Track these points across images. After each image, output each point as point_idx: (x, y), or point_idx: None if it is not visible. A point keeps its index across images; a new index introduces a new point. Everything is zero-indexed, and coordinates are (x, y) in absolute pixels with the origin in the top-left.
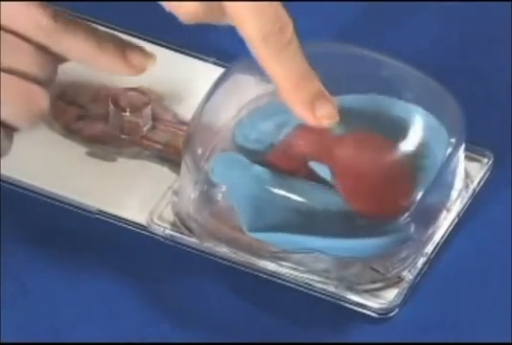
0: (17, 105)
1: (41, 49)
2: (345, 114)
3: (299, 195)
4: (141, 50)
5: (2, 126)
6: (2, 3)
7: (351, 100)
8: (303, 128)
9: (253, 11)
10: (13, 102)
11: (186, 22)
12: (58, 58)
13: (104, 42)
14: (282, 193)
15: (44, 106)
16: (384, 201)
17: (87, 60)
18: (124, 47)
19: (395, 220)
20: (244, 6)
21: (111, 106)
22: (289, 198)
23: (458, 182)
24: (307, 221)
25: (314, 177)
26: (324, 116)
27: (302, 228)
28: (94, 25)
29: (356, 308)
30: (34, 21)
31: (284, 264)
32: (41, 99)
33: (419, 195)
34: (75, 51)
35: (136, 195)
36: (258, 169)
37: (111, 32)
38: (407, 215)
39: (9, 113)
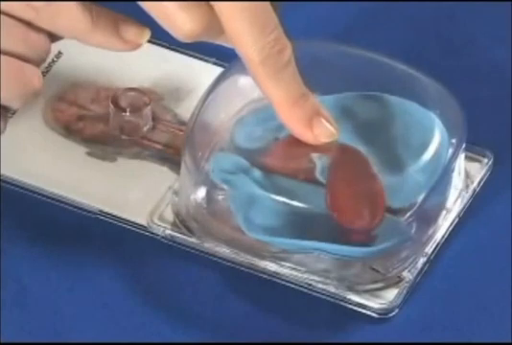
0: (10, 84)
1: (32, 27)
2: (343, 113)
3: (298, 198)
4: (135, 24)
5: None
6: None
7: (349, 98)
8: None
9: (253, 34)
10: (7, 81)
11: (184, 41)
12: (50, 36)
13: (98, 18)
14: (280, 196)
15: (37, 85)
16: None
17: (81, 37)
18: (118, 22)
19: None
20: (244, 28)
21: (111, 106)
22: (286, 202)
23: (458, 182)
24: (305, 225)
25: (313, 179)
26: (322, 134)
27: (300, 232)
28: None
29: (356, 308)
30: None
31: (284, 264)
32: (34, 77)
33: (421, 196)
34: (67, 28)
35: (136, 195)
36: (257, 172)
37: (104, 7)
38: (408, 215)
39: (2, 92)
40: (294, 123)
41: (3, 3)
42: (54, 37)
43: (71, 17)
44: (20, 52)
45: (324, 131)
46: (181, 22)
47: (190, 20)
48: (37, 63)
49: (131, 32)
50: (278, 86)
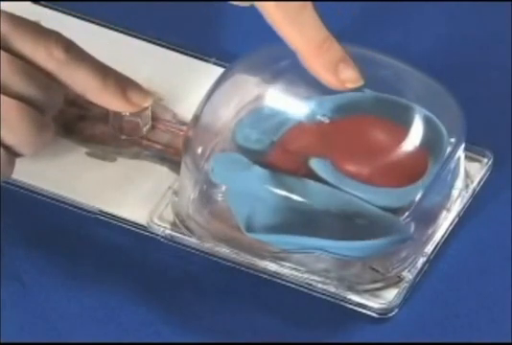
0: (27, 133)
1: (51, 78)
2: (343, 113)
3: (299, 195)
4: (140, 88)
5: (6, 152)
6: (23, 30)
7: (349, 98)
8: (301, 127)
9: None
10: (23, 130)
11: None
12: (63, 88)
13: (109, 78)
14: (282, 193)
15: (49, 136)
16: (397, 170)
17: (90, 94)
18: (125, 84)
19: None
20: None
21: None
22: (288, 199)
23: (458, 182)
24: (306, 222)
25: (314, 177)
26: (348, 79)
27: (301, 229)
28: (98, 60)
29: (356, 308)
30: (45, 50)
31: (284, 264)
32: (48, 129)
33: (419, 195)
34: (80, 84)
35: (136, 195)
36: (258, 169)
37: (113, 68)
38: (406, 214)
39: (17, 140)
40: (321, 68)
41: (29, 52)
42: (65, 90)
43: (86, 74)
44: (40, 102)
45: (350, 76)
46: None
47: None
48: (50, 113)
49: (137, 95)
50: (299, 30)
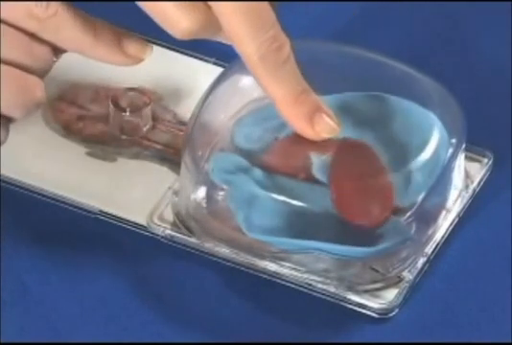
0: (13, 95)
1: (36, 38)
2: (342, 113)
3: (298, 198)
4: (137, 39)
5: None
6: None
7: (349, 98)
8: None
9: (251, 31)
10: (9, 91)
11: (181, 39)
12: (54, 49)
13: (101, 32)
14: (281, 197)
15: (40, 96)
16: (366, 208)
17: (83, 50)
18: (120, 37)
19: (376, 227)
20: (242, 25)
21: (111, 106)
22: (287, 202)
23: (458, 182)
24: (305, 225)
25: (313, 179)
26: (323, 130)
27: (300, 232)
28: (89, 14)
29: (356, 308)
30: (25, 10)
31: (284, 264)
32: (37, 88)
33: (421, 196)
34: (70, 41)
35: (136, 195)
36: (257, 172)
37: (107, 22)
38: (408, 215)
39: (4, 103)
40: (296, 119)
41: (7, 13)
42: (57, 50)
43: (74, 30)
44: (23, 62)
45: (326, 127)
46: (178, 20)
47: (186, 18)
48: (40, 75)
49: (133, 46)
50: (278, 83)
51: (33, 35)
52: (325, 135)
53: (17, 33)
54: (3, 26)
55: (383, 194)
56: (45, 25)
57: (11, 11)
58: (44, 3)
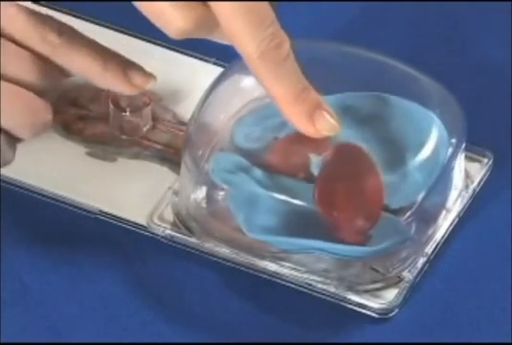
0: (21, 117)
1: (44, 60)
2: (343, 113)
3: (298, 197)
4: (142, 70)
5: (5, 137)
6: (10, 16)
7: (349, 98)
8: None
9: (250, 29)
10: (18, 113)
11: (176, 38)
12: (62, 72)
13: (109, 60)
14: (281, 196)
15: (47, 119)
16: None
17: (92, 77)
18: (127, 66)
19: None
20: (241, 24)
21: (111, 107)
22: (288, 202)
23: (458, 182)
24: (305, 224)
25: (312, 179)
26: (323, 128)
27: (300, 231)
28: (98, 43)
29: (356, 308)
30: (38, 34)
31: (284, 264)
32: (45, 111)
33: (421, 196)
34: (79, 67)
35: (136, 195)
36: (257, 172)
37: (114, 50)
38: (408, 215)
39: (12, 124)
40: (296, 117)
41: (22, 37)
42: (65, 74)
43: (84, 57)
44: (33, 84)
45: (326, 125)
46: (173, 20)
47: (182, 18)
48: (47, 96)
49: (139, 77)
50: (279, 81)
51: (44, 59)
52: (326, 133)
53: (30, 55)
54: (16, 48)
55: (369, 197)
56: (58, 51)
57: (26, 35)
58: (57, 28)
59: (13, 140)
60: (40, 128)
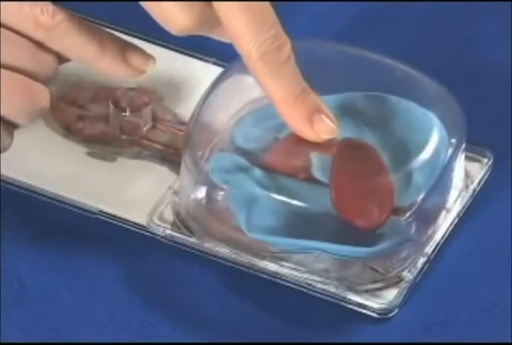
0: (18, 102)
1: (41, 46)
2: (343, 113)
3: (298, 198)
4: (141, 51)
5: (2, 123)
6: (1, 2)
7: (349, 98)
8: None
9: (251, 30)
10: (15, 99)
11: (177, 35)
12: (59, 57)
13: (106, 42)
14: (281, 197)
15: (44, 104)
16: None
17: (88, 60)
18: (124, 48)
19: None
20: (243, 24)
21: (111, 106)
22: (288, 202)
23: (458, 182)
24: (305, 225)
25: (313, 179)
26: (322, 130)
27: (300, 232)
28: (96, 24)
29: (356, 308)
30: (31, 18)
31: (284, 264)
32: (42, 96)
33: (421, 196)
34: (76, 50)
35: (136, 195)
36: (257, 172)
37: (112, 32)
38: (408, 215)
39: (10, 110)
40: (295, 119)
41: (14, 21)
42: (62, 59)
43: (79, 39)
44: (29, 70)
45: (325, 128)
46: (176, 17)
47: (184, 15)
48: (44, 82)
49: (138, 59)
50: (278, 83)
51: (39, 44)
52: (324, 136)
53: (24, 40)
54: (10, 33)
55: (383, 194)
56: (51, 34)
57: (18, 20)
58: (50, 11)
59: (10, 126)
60: (37, 114)
